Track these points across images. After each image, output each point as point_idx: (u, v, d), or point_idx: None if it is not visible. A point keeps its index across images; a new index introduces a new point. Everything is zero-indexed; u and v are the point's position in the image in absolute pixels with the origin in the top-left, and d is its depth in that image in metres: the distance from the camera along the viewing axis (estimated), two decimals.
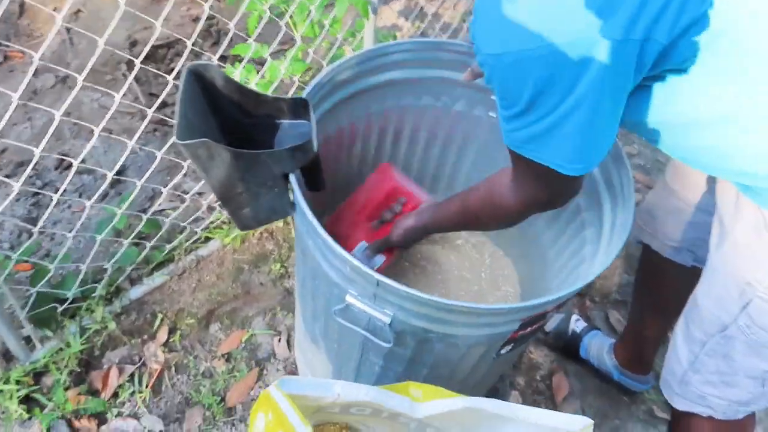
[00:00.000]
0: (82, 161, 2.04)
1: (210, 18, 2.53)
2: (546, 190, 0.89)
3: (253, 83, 1.51)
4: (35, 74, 2.33)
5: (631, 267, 1.95)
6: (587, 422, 0.78)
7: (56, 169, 2.01)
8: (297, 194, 0.96)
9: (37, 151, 1.13)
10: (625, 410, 1.62)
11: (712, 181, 1.06)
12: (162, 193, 1.47)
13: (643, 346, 1.53)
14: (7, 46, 2.35)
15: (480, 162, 1.48)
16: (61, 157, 1.94)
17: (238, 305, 1.64)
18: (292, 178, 0.97)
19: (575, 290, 0.93)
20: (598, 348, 1.64)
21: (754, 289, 0.86)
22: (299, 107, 1.01)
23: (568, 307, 1.81)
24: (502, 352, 1.09)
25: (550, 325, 1.71)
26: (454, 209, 1.08)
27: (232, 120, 1.01)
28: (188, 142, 0.84)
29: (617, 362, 1.59)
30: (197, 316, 1.59)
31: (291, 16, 1.53)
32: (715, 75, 0.72)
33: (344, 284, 0.98)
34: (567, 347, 1.69)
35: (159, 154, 1.39)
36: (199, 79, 0.94)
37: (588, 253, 1.09)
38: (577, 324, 1.70)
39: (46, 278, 1.31)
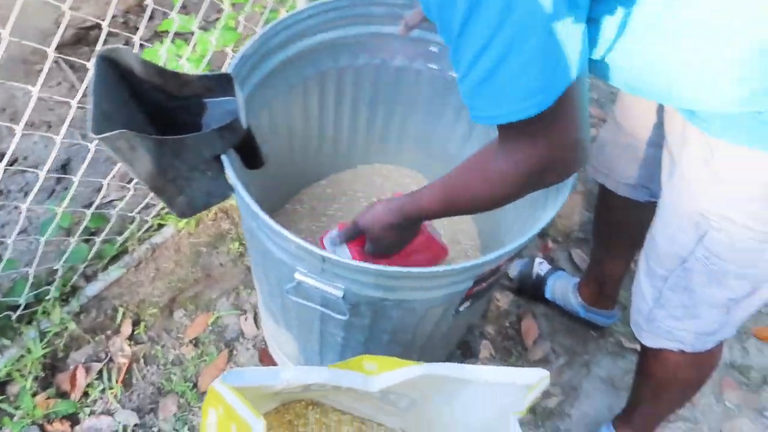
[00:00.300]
0: (24, 158, 1.97)
1: None
2: (539, 146, 0.75)
3: (185, 59, 1.45)
4: None
5: (590, 204, 1.96)
6: (543, 374, 0.78)
7: None
8: (232, 176, 0.93)
9: None
10: (593, 345, 1.65)
11: (659, 113, 1.05)
12: (107, 185, 1.42)
13: (606, 283, 1.55)
14: None
15: (429, 120, 1.45)
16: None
17: (200, 289, 1.62)
18: (224, 159, 0.94)
19: (523, 243, 0.93)
20: (563, 288, 1.66)
21: (708, 220, 0.86)
22: (224, 83, 0.96)
23: (530, 250, 1.82)
24: (461, 309, 1.09)
25: (514, 270, 1.72)
26: (439, 187, 0.92)
27: (157, 105, 0.97)
28: (105, 135, 0.80)
29: (582, 300, 1.61)
30: (159, 305, 1.57)
31: None
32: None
33: (292, 262, 0.96)
34: (533, 291, 1.70)
35: (91, 146, 1.33)
36: (113, 65, 0.89)
37: (540, 197, 1.08)
38: (540, 267, 1.72)
39: None
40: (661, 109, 1.03)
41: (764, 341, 1.70)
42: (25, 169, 1.39)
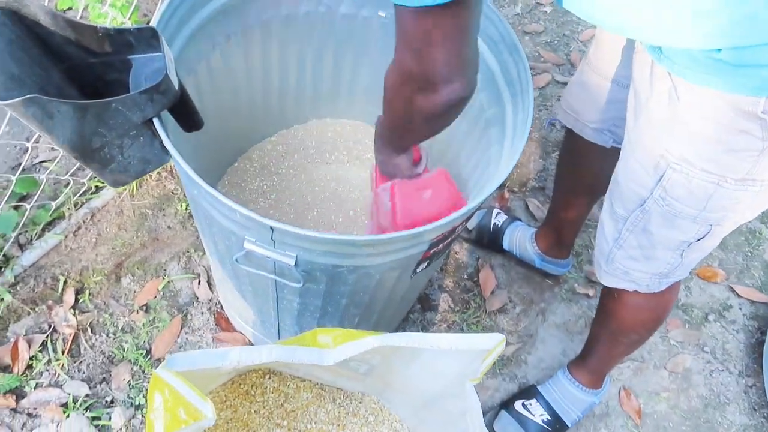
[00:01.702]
0: None
1: None
2: (417, 53, 0.74)
3: (108, 4, 1.32)
4: None
5: (545, 152, 1.95)
6: (499, 338, 0.76)
7: None
8: (166, 142, 0.85)
9: None
10: (549, 292, 1.67)
11: (629, 53, 1.02)
12: (31, 147, 1.31)
13: (564, 229, 1.55)
14: None
15: (381, 72, 1.38)
16: None
17: (147, 253, 1.55)
18: (156, 122, 0.86)
19: (479, 202, 0.89)
20: (521, 238, 1.65)
21: (667, 161, 0.85)
22: (149, 38, 0.87)
23: (488, 202, 1.81)
24: (418, 270, 1.06)
25: (473, 222, 1.70)
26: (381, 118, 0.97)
27: (76, 63, 0.87)
28: (12, 101, 0.71)
29: (539, 249, 1.62)
30: (104, 271, 1.49)
31: None
32: None
33: (240, 231, 0.91)
34: (490, 242, 1.70)
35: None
36: (17, 19, 0.79)
37: (494, 154, 1.05)
38: (498, 218, 1.71)
39: None
40: (631, 50, 1.00)
41: (706, 280, 1.76)
42: None
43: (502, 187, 1.85)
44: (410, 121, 0.87)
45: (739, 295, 1.74)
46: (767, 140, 0.78)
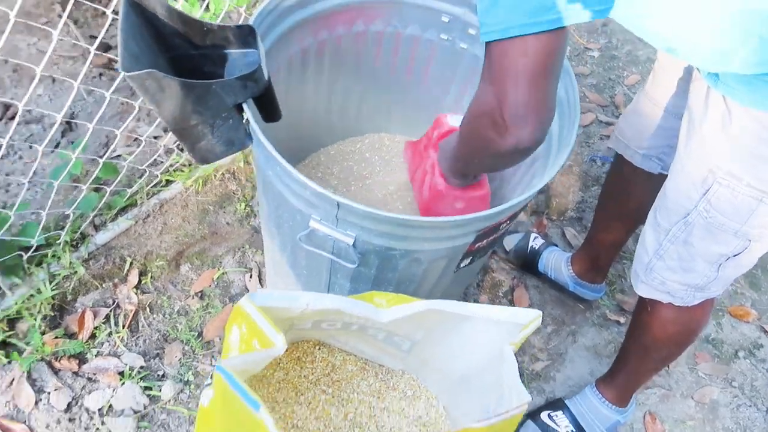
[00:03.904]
0: (29, 110, 2.00)
1: None
2: (497, 88, 0.78)
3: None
4: None
5: (585, 185, 2.03)
6: (536, 313, 0.84)
7: (0, 119, 1.96)
8: (252, 123, 0.98)
9: None
10: (580, 316, 1.73)
11: (686, 83, 1.11)
12: (116, 137, 1.46)
13: (600, 254, 1.62)
14: None
15: (435, 94, 1.50)
16: (5, 103, 1.89)
17: (206, 245, 1.67)
18: (246, 107, 0.99)
19: (523, 200, 0.98)
20: (556, 261, 1.72)
21: (715, 175, 0.93)
22: (246, 36, 1.01)
23: (526, 227, 1.89)
24: (462, 265, 1.15)
25: (510, 244, 1.78)
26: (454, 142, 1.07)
27: (180, 53, 1.01)
28: (134, 73, 0.84)
29: (573, 272, 1.68)
30: (166, 258, 1.62)
31: None
32: None
33: (307, 210, 1.02)
34: (527, 263, 1.77)
35: (108, 94, 1.37)
36: (139, 9, 0.93)
37: (539, 168, 1.14)
38: (535, 241, 1.78)
39: (6, 226, 1.30)
40: (688, 79, 1.09)
41: (738, 319, 1.79)
42: (39, 116, 1.42)
43: (540, 213, 1.94)
44: (477, 155, 0.94)
45: None
46: None
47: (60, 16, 2.26)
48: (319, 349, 1.07)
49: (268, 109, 1.07)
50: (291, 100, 1.37)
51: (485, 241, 1.09)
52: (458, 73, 1.42)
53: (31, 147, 1.87)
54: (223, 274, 1.63)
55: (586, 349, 1.67)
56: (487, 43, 0.77)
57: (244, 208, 1.74)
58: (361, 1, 1.29)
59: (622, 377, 1.40)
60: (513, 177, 1.34)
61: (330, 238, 1.02)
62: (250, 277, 1.63)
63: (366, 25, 1.35)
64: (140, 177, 1.63)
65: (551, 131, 1.16)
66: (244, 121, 1.02)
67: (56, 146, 1.86)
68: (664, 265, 1.09)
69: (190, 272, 1.62)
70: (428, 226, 0.96)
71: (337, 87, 1.46)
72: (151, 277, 1.58)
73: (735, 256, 1.01)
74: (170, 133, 1.72)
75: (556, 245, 1.80)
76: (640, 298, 1.23)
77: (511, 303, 1.72)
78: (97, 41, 1.31)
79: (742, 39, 0.78)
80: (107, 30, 1.33)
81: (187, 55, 1.02)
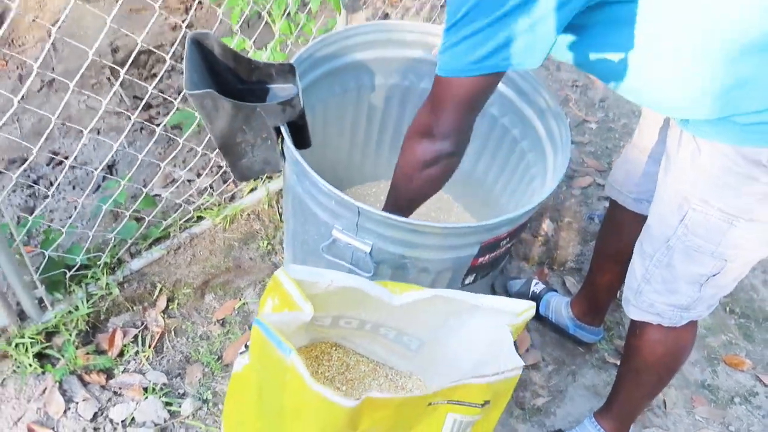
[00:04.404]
0: (75, 158, 2.19)
1: (188, 26, 2.71)
2: (432, 109, 1.02)
3: None
4: (20, 79, 2.49)
5: (583, 239, 2.16)
6: (530, 304, 0.96)
7: (48, 164, 2.15)
8: (288, 141, 1.14)
9: (36, 148, 1.28)
10: (580, 358, 1.81)
11: (665, 131, 1.27)
12: (157, 175, 1.63)
13: (598, 295, 1.72)
14: None
15: None
16: (52, 155, 2.09)
17: (230, 277, 1.80)
18: (283, 130, 1.15)
19: (521, 214, 1.12)
20: (557, 304, 1.83)
21: (689, 203, 1.07)
22: (287, 72, 1.19)
23: (529, 275, 2.01)
24: (466, 282, 1.27)
25: (513, 288, 1.90)
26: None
27: (229, 86, 1.19)
28: (196, 92, 1.02)
29: (573, 314, 1.78)
30: (193, 286, 1.74)
31: (269, 13, 1.73)
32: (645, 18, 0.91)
33: (331, 221, 1.16)
34: None
35: (146, 149, 1.55)
36: (199, 46, 1.12)
37: (537, 186, 1.29)
38: (536, 286, 1.90)
39: (57, 241, 1.45)
40: (667, 128, 1.26)
41: (732, 367, 1.86)
42: (82, 163, 1.60)
43: (542, 264, 2.06)
44: (410, 166, 1.10)
45: (765, 384, 1.83)
46: None
47: (108, 79, 2.51)
48: (336, 349, 1.18)
49: (300, 136, 1.24)
50: (327, 135, 1.55)
51: (487, 256, 1.22)
52: (490, 143, 1.58)
53: (74, 189, 2.05)
54: (243, 304, 1.74)
55: (586, 388, 1.74)
56: (436, 76, 1.00)
57: (266, 246, 1.88)
58: (380, 57, 1.49)
59: (618, 406, 1.47)
60: (510, 201, 1.49)
61: (350, 248, 1.16)
62: None
63: (385, 78, 1.55)
64: (175, 212, 1.78)
65: (546, 156, 1.32)
66: (279, 146, 1.18)
67: (97, 189, 2.04)
68: (651, 288, 1.21)
69: (214, 301, 1.74)
70: (437, 233, 1.10)
71: (358, 132, 1.64)
72: (178, 304, 1.70)
73: (714, 276, 1.13)
74: (203, 176, 1.90)
75: (556, 291, 1.91)
76: (631, 325, 1.33)
77: (514, 344, 1.81)
78: (142, 103, 1.51)
79: (702, 94, 0.95)
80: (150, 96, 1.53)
81: (234, 90, 1.20)
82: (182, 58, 2.44)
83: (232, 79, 1.19)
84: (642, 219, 1.47)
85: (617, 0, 0.91)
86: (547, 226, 2.16)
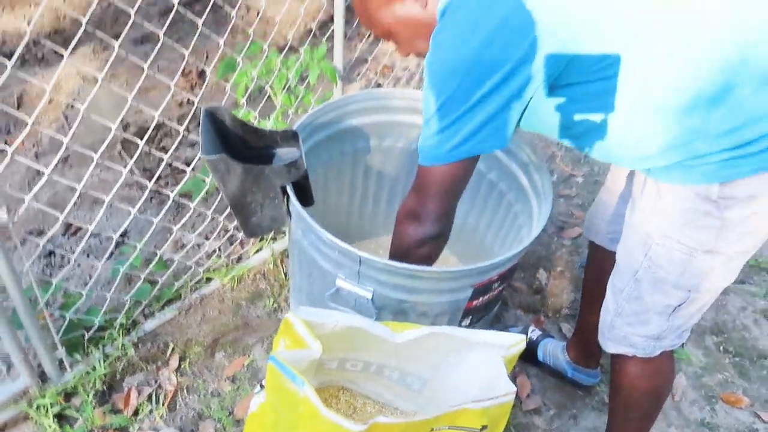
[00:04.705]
0: (87, 227, 2.31)
1: (193, 101, 2.89)
2: (418, 195, 1.13)
3: None
4: (37, 156, 2.64)
5: (576, 287, 2.25)
6: (520, 338, 1.04)
7: (63, 235, 2.26)
8: (293, 199, 1.25)
9: (61, 217, 1.40)
10: (580, 402, 1.86)
11: (631, 178, 1.39)
12: (167, 239, 1.74)
13: (591, 337, 1.78)
14: (8, 133, 2.67)
15: None
16: (68, 225, 2.20)
17: (238, 335, 1.87)
18: (289, 189, 1.27)
19: (510, 257, 1.22)
20: (553, 349, 1.90)
21: (653, 238, 1.17)
22: (290, 138, 1.32)
23: (525, 323, 2.08)
24: (463, 324, 1.35)
25: None
26: None
27: (239, 152, 1.32)
28: (211, 157, 1.14)
29: (570, 359, 1.85)
30: (204, 345, 1.82)
31: (271, 87, 1.88)
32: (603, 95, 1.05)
33: (335, 270, 1.26)
34: (526, 353, 1.92)
35: (158, 218, 1.67)
36: (212, 117, 1.26)
37: (524, 234, 1.39)
38: (533, 333, 1.97)
39: (78, 304, 1.54)
40: (632, 174, 1.38)
41: (731, 405, 1.91)
42: (97, 232, 1.71)
43: (538, 312, 2.14)
44: (402, 247, 1.21)
45: (764, 421, 1.87)
46: (723, 219, 1.10)
47: (120, 153, 2.67)
48: (343, 393, 1.25)
49: (304, 195, 1.35)
50: (328, 194, 1.66)
51: (481, 299, 1.30)
52: (479, 197, 1.71)
53: (88, 257, 2.15)
54: (252, 361, 1.81)
55: (588, 430, 1.79)
56: (419, 165, 1.12)
57: (273, 303, 1.96)
58: (374, 122, 1.63)
59: None
60: (501, 249, 1.58)
61: (353, 295, 1.25)
62: None
63: (378, 141, 1.68)
64: (185, 273, 1.88)
65: (532, 206, 1.43)
66: (285, 204, 1.30)
67: (110, 255, 2.14)
68: (623, 321, 1.29)
69: (224, 359, 1.81)
70: (433, 277, 1.19)
71: (356, 190, 1.76)
72: (190, 362, 1.77)
73: (680, 306, 1.21)
74: (211, 240, 2.00)
75: (553, 336, 1.98)
76: (612, 363, 1.40)
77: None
78: (156, 175, 1.64)
79: (661, 148, 1.07)
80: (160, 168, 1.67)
81: (243, 155, 1.33)
82: (188, 132, 2.60)
83: (241, 145, 1.32)
84: None
85: (576, 82, 1.04)
86: (541, 275, 2.25)
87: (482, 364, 1.07)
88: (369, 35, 3.33)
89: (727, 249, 1.13)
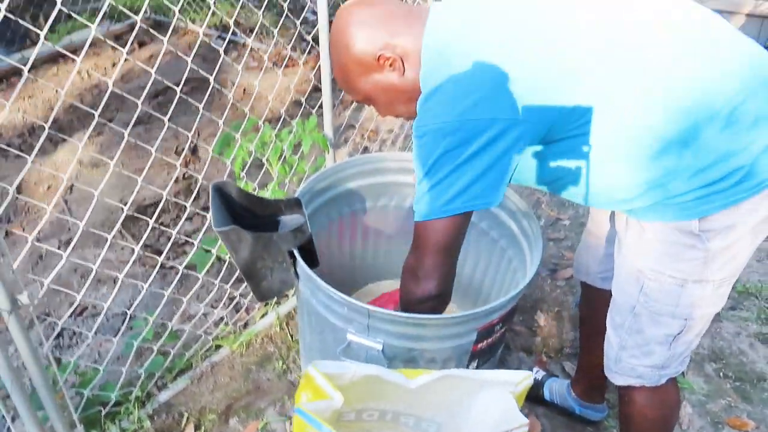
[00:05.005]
0: (94, 306, 2.36)
1: (188, 177, 3.00)
2: (416, 253, 1.19)
3: None
4: (39, 240, 2.71)
5: (575, 327, 2.31)
6: (526, 374, 1.11)
7: (70, 315, 2.31)
8: (301, 262, 1.33)
9: (78, 297, 1.47)
10: None
11: (612, 220, 1.49)
12: (176, 311, 1.80)
13: (593, 372, 1.84)
14: (9, 222, 2.75)
15: None
16: (74, 305, 2.25)
17: (251, 400, 1.91)
18: (296, 253, 1.35)
19: (509, 299, 1.30)
20: (559, 388, 1.95)
21: (644, 273, 1.24)
22: (293, 205, 1.41)
23: (529, 365, 2.13)
24: (470, 368, 1.41)
25: None
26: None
27: (246, 221, 1.40)
28: (223, 228, 1.22)
29: (576, 395, 1.90)
30: (217, 412, 1.85)
31: (268, 160, 1.99)
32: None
33: (345, 326, 1.32)
34: (533, 394, 1.98)
35: (168, 291, 1.74)
36: (219, 191, 1.35)
37: (519, 278, 1.47)
38: (537, 374, 2.02)
39: (95, 381, 1.58)
40: (613, 216, 1.47)
41: (737, 429, 1.95)
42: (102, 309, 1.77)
43: (540, 352, 2.19)
44: (407, 304, 1.26)
45: None
46: (707, 251, 1.18)
47: (121, 232, 2.74)
48: None
49: (310, 257, 1.43)
50: (330, 253, 1.74)
51: (485, 342, 1.37)
52: (471, 246, 1.79)
53: (96, 334, 2.20)
54: (266, 423, 1.84)
55: None
56: (415, 222, 1.18)
57: (282, 366, 2.01)
58: (368, 184, 1.73)
59: None
60: (499, 294, 1.66)
61: (363, 347, 1.31)
62: (290, 424, 1.84)
63: (373, 201, 1.78)
64: (195, 343, 1.93)
65: (524, 250, 1.52)
66: (292, 267, 1.37)
67: (117, 331, 2.19)
68: (628, 354, 1.35)
69: (238, 424, 1.84)
70: (439, 323, 1.26)
71: (356, 248, 1.85)
72: (205, 430, 1.80)
73: (679, 334, 1.28)
74: (218, 309, 2.06)
75: (557, 376, 2.03)
76: (620, 396, 1.46)
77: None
78: (164, 250, 1.71)
79: (640, 189, 1.16)
80: (156, 239, 1.75)
81: (251, 223, 1.41)
82: (185, 208, 2.69)
83: (248, 215, 1.40)
84: (611, 294, 1.64)
85: (557, 139, 1.14)
86: (539, 317, 2.32)
87: (493, 402, 1.13)
88: (352, 103, 3.50)
89: (714, 277, 1.21)
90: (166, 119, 1.55)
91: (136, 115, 1.74)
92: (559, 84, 1.10)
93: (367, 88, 1.26)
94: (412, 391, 1.11)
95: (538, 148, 1.17)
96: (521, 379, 1.11)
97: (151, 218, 2.84)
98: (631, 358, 1.35)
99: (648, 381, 1.36)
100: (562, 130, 1.12)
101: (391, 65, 1.22)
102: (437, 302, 1.23)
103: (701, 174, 1.10)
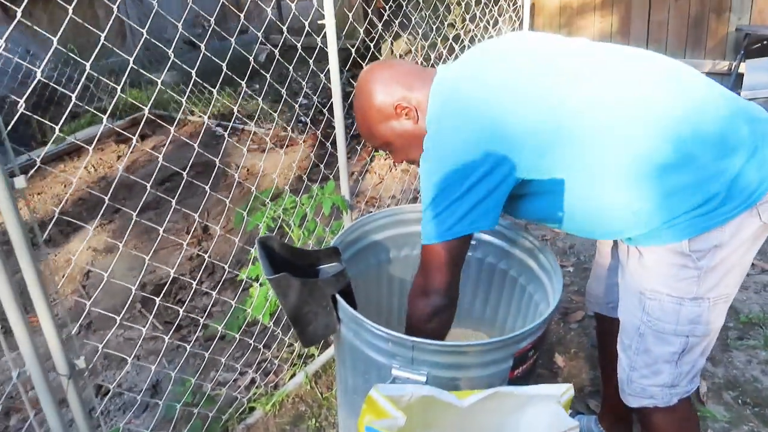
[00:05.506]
0: (119, 385, 2.38)
1: (201, 256, 3.10)
2: (424, 271, 1.30)
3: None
4: (59, 328, 2.75)
5: (593, 364, 2.39)
6: (567, 386, 1.19)
7: (96, 396, 2.33)
8: (343, 303, 1.42)
9: (113, 384, 1.54)
10: None
11: (616, 248, 1.60)
12: (206, 379, 1.85)
13: (617, 403, 1.90)
14: (27, 312, 2.80)
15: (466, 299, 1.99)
16: (99, 384, 2.29)
17: None
18: (338, 296, 1.44)
19: (540, 323, 1.39)
20: (587, 424, 2.00)
21: (645, 295, 1.35)
22: (332, 254, 1.52)
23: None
24: None
25: None
26: None
27: (289, 271, 1.50)
28: (274, 276, 1.32)
29: (604, 429, 1.95)
30: None
31: (289, 223, 2.11)
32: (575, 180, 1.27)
33: (389, 362, 1.40)
34: None
35: (188, 348, 1.81)
36: (264, 246, 1.46)
37: (543, 309, 1.57)
38: None
39: None
40: (616, 246, 1.60)
41: None
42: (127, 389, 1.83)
43: None
44: (415, 323, 1.36)
45: None
46: (700, 269, 1.28)
47: (140, 312, 2.80)
48: None
49: (349, 301, 1.52)
50: (363, 299, 1.82)
51: (520, 369, 1.45)
52: (494, 287, 1.90)
53: (124, 413, 2.22)
54: None
55: None
56: (422, 245, 1.31)
57: (315, 424, 2.04)
58: (391, 236, 1.85)
59: None
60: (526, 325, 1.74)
61: (408, 382, 1.39)
62: None
63: (397, 252, 1.89)
64: (230, 406, 1.97)
65: (544, 284, 1.62)
66: (334, 311, 1.46)
67: (145, 408, 2.21)
68: (638, 374, 1.42)
69: None
70: (479, 350, 1.35)
71: (382, 297, 1.93)
72: None
73: (683, 352, 1.36)
74: (251, 371, 2.11)
75: (583, 413, 2.08)
76: (639, 420, 1.51)
77: None
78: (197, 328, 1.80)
79: (634, 221, 1.28)
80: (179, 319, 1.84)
81: (293, 274, 1.51)
82: (201, 283, 2.77)
83: (288, 266, 1.50)
84: None
85: (549, 175, 1.27)
86: (557, 359, 2.39)
87: (540, 415, 1.21)
88: (353, 174, 3.67)
89: (710, 294, 1.30)
90: (173, 201, 1.68)
91: (143, 200, 1.88)
92: (552, 121, 1.23)
93: (386, 133, 1.43)
94: (463, 411, 1.19)
95: (533, 180, 1.29)
96: (564, 390, 1.19)
97: (169, 296, 2.94)
98: (641, 379, 1.42)
99: (660, 401, 1.42)
100: (558, 164, 1.25)
101: (406, 114, 1.39)
102: (444, 317, 1.34)
103: (690, 198, 1.22)
